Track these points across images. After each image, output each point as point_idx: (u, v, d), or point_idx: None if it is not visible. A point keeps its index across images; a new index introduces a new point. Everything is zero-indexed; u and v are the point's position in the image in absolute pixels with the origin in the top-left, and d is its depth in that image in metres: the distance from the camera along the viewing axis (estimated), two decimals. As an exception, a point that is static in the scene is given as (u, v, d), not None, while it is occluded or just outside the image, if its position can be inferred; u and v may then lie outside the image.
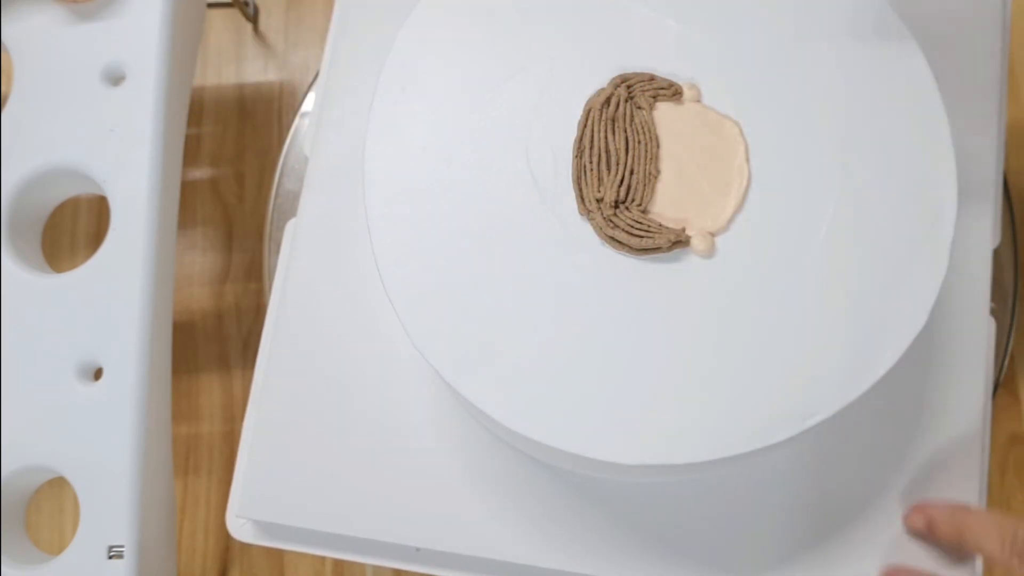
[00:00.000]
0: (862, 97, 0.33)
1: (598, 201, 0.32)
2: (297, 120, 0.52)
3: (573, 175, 0.32)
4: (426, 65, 0.34)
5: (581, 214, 0.32)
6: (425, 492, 0.36)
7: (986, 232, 0.38)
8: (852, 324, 0.30)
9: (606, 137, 0.32)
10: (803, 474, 0.36)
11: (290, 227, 0.40)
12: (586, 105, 0.33)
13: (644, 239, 0.31)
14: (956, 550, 0.34)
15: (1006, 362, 0.47)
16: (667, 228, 0.31)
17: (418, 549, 0.36)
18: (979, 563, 0.34)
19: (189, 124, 0.44)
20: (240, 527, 0.37)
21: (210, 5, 0.54)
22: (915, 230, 0.31)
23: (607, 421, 0.29)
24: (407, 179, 0.32)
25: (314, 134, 0.40)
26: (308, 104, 0.51)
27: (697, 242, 0.31)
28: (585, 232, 0.32)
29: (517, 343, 0.30)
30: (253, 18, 0.56)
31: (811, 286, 0.31)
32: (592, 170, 0.32)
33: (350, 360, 0.37)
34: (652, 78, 0.33)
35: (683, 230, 0.31)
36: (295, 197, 0.41)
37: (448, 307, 0.31)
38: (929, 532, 0.33)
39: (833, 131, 0.33)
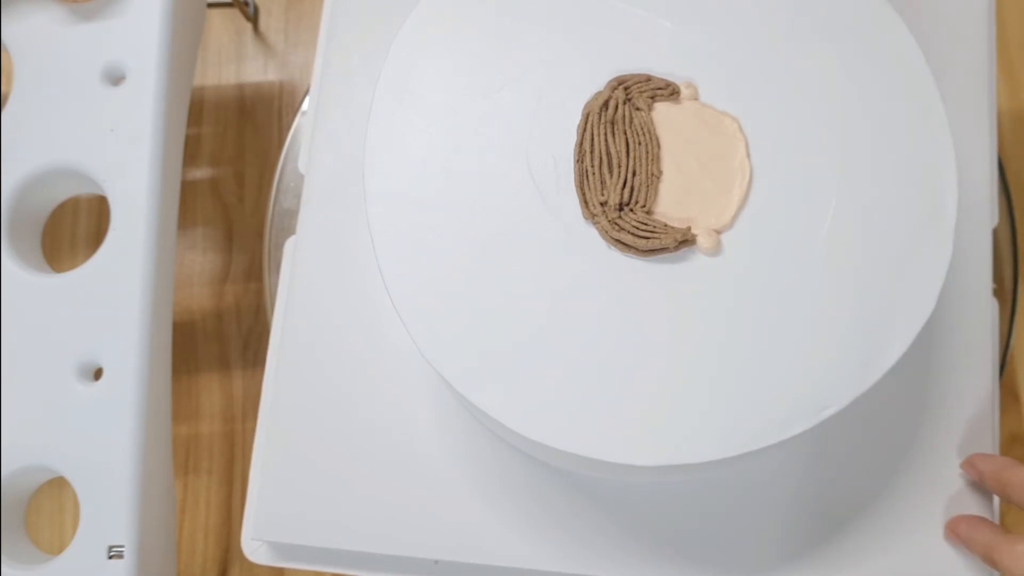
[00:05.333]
0: (857, 86, 0.33)
1: (602, 204, 0.32)
2: (297, 119, 0.51)
3: (575, 180, 0.32)
4: (421, 76, 0.33)
5: (585, 218, 0.32)
6: (442, 504, 0.36)
7: (984, 212, 0.39)
8: (860, 313, 0.30)
9: (606, 140, 0.32)
10: (803, 474, 0.36)
11: (289, 244, 0.40)
12: (584, 109, 0.33)
13: (650, 240, 0.31)
14: (1002, 498, 0.35)
15: (1006, 363, 0.47)
16: (672, 228, 0.31)
17: (436, 562, 0.35)
18: (996, 501, 0.36)
19: (189, 124, 0.44)
20: (256, 550, 0.37)
21: (210, 5, 0.54)
22: (917, 216, 0.31)
23: (623, 424, 0.29)
24: (408, 192, 0.32)
25: (309, 150, 0.40)
26: (308, 104, 0.51)
27: (703, 240, 0.31)
28: (590, 236, 0.32)
29: (527, 350, 0.30)
30: (253, 18, 0.56)
31: (818, 278, 0.31)
32: (594, 174, 0.32)
33: (358, 375, 0.37)
34: (649, 79, 0.33)
35: (688, 229, 0.31)
36: (296, 197, 0.41)
37: (457, 317, 0.30)
38: (980, 483, 0.35)
39: (831, 122, 0.33)
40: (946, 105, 0.33)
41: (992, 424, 0.37)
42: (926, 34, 0.34)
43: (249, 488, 0.38)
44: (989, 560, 0.33)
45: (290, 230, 0.40)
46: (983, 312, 0.38)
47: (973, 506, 0.36)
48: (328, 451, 0.36)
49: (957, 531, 0.35)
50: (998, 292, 0.41)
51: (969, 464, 0.36)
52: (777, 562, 0.35)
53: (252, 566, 0.48)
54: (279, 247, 0.40)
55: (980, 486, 0.36)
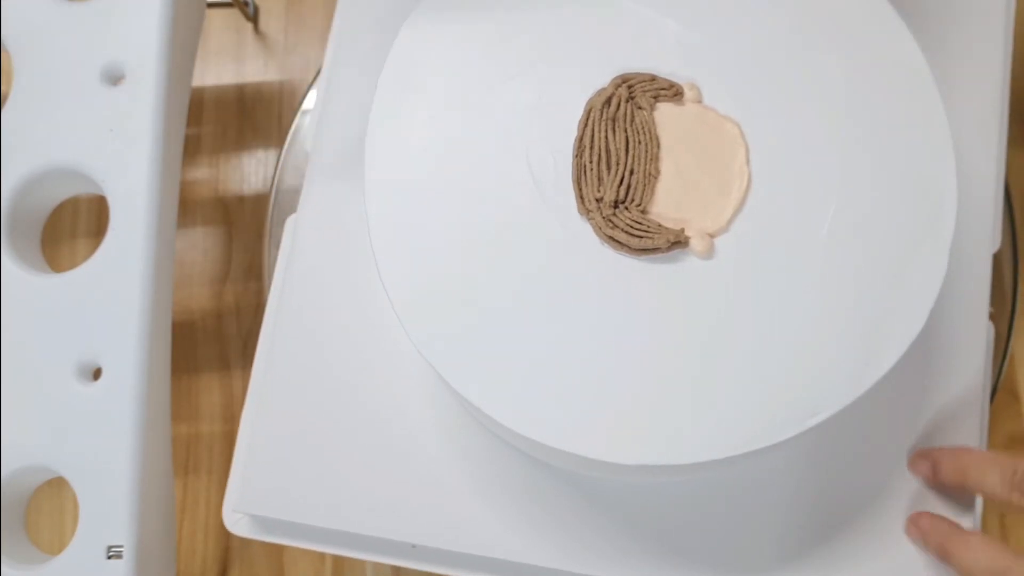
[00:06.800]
0: (862, 97, 0.33)
1: (597, 201, 0.32)
2: (297, 119, 0.51)
3: (573, 175, 0.32)
4: (426, 66, 0.34)
5: (580, 214, 0.32)
6: (422, 489, 0.36)
7: (986, 235, 0.38)
8: (852, 324, 0.30)
9: (606, 137, 0.32)
10: (802, 474, 0.36)
11: (290, 222, 0.40)
12: (587, 105, 0.33)
13: (643, 239, 0.31)
14: (960, 490, 0.34)
15: (1005, 364, 0.47)
16: (666, 229, 0.31)
17: (414, 546, 0.36)
18: (979, 503, 0.35)
19: (189, 124, 0.44)
20: (236, 522, 0.37)
21: (210, 5, 0.54)
22: (915, 229, 0.31)
23: (611, 422, 0.29)
24: (407, 182, 0.32)
25: (316, 129, 0.40)
26: (308, 103, 0.51)
27: (696, 243, 0.31)
28: (585, 233, 0.32)
29: (519, 345, 0.30)
30: (253, 18, 0.56)
31: (811, 286, 0.31)
32: (592, 170, 0.32)
33: (350, 355, 0.37)
34: (653, 78, 0.33)
35: (682, 231, 0.31)
36: (295, 195, 0.41)
37: (451, 313, 0.31)
38: (933, 476, 0.34)
39: (833, 131, 0.33)
40: (952, 116, 0.33)
41: (980, 434, 0.37)
42: (934, 42, 0.34)
43: (234, 460, 0.38)
44: (943, 552, 0.33)
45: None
46: (978, 335, 0.38)
47: (968, 507, 0.36)
48: (316, 429, 0.36)
49: (918, 523, 0.34)
50: (997, 295, 0.41)
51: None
52: (777, 562, 0.35)
53: (252, 566, 0.48)
54: (279, 244, 0.41)
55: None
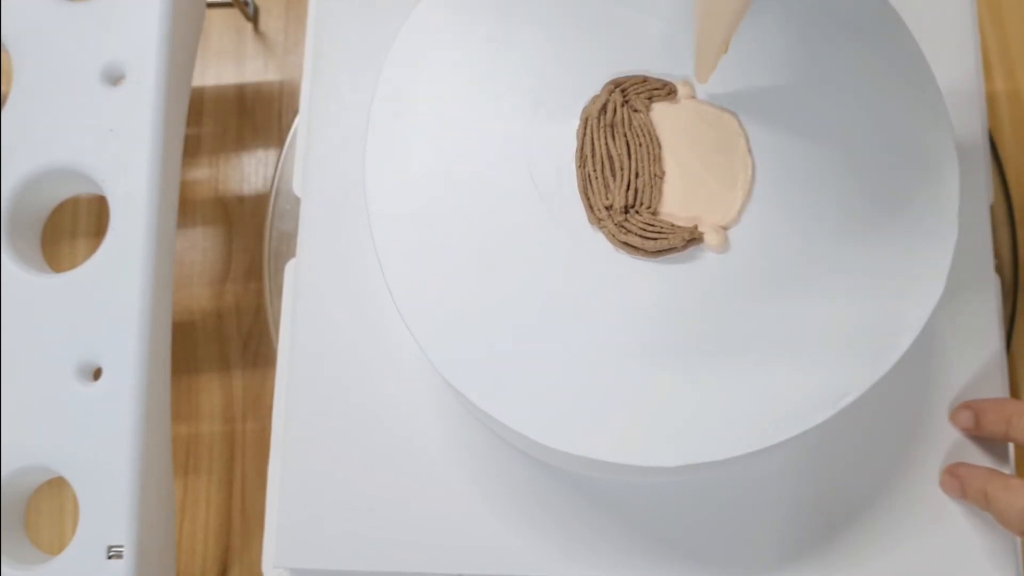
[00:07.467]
0: (853, 73, 0.33)
1: (607, 208, 0.32)
2: (297, 119, 0.51)
3: (579, 185, 0.32)
4: (416, 91, 0.33)
5: (592, 224, 0.32)
6: (461, 518, 0.35)
7: (980, 189, 0.39)
8: (871, 300, 0.30)
9: (607, 143, 0.32)
10: (802, 474, 0.36)
11: (290, 267, 0.40)
12: (583, 114, 0.33)
13: (659, 240, 0.31)
14: (1002, 440, 0.35)
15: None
16: (679, 227, 0.31)
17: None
18: (1012, 458, 0.35)
19: (189, 124, 0.44)
20: None
21: (210, 5, 0.54)
22: (921, 198, 0.31)
23: (646, 426, 0.29)
24: (413, 209, 0.32)
25: (303, 173, 0.40)
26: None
27: (710, 237, 0.31)
28: (596, 241, 0.31)
29: (545, 360, 0.30)
30: (253, 18, 0.56)
31: (827, 267, 0.31)
32: (597, 178, 0.32)
33: (371, 393, 0.37)
34: (645, 79, 0.33)
35: (695, 227, 0.31)
36: (296, 198, 0.41)
37: (470, 332, 0.30)
38: (976, 426, 0.35)
39: (829, 111, 0.33)
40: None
41: (1003, 388, 0.37)
42: (916, 21, 0.34)
43: (267, 515, 0.37)
44: (982, 496, 0.33)
45: (290, 227, 0.40)
46: (987, 290, 0.38)
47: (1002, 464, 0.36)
48: (344, 474, 0.36)
49: (956, 472, 0.35)
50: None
51: (948, 472, 0.35)
52: (777, 562, 0.35)
53: (252, 566, 0.48)
54: (279, 247, 0.40)
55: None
